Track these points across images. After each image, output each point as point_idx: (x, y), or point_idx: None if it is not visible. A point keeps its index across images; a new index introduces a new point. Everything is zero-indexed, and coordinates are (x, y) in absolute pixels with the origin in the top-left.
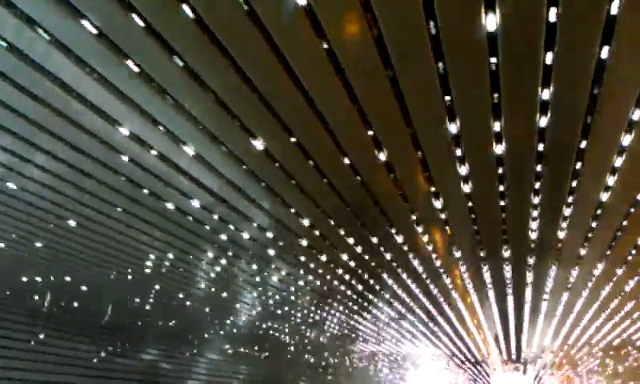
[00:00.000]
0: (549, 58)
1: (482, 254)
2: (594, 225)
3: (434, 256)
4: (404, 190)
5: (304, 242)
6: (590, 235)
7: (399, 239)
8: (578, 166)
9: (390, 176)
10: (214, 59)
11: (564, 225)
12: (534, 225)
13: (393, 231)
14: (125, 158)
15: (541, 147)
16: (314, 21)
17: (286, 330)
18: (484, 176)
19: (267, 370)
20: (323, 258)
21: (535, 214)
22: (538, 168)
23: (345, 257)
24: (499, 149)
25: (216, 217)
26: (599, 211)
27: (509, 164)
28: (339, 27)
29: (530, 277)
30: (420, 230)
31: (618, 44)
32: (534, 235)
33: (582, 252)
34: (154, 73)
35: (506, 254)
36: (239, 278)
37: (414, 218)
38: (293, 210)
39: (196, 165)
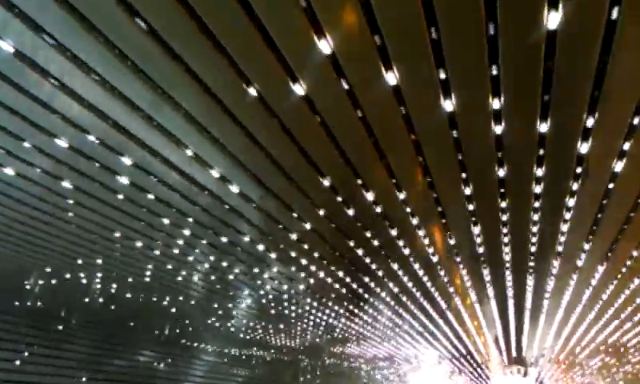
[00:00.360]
0: (554, 21)
1: (480, 250)
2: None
3: (430, 251)
4: (399, 182)
5: (294, 237)
6: (594, 228)
7: (393, 232)
8: (584, 150)
9: (384, 168)
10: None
11: (567, 216)
12: (535, 217)
13: (386, 223)
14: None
15: (544, 128)
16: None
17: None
18: (482, 165)
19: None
20: (315, 254)
21: (537, 205)
22: (540, 152)
23: (338, 253)
24: (498, 129)
25: (200, 209)
26: (605, 201)
27: (508, 149)
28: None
29: (530, 277)
30: (415, 221)
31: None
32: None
33: (586, 246)
34: (117, 41)
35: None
36: (228, 275)
37: (408, 210)
38: (282, 203)
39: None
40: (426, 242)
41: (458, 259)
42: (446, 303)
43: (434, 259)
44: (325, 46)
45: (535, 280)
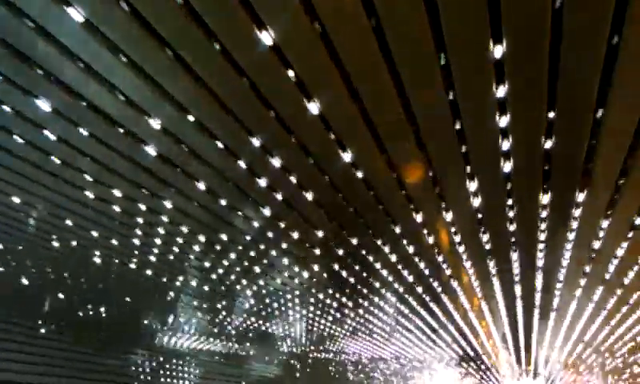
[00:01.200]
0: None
1: (487, 247)
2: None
3: (434, 249)
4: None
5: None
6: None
7: (397, 229)
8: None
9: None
10: None
11: (574, 220)
12: (542, 226)
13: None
14: None
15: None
16: None
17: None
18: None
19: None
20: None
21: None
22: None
23: (319, 234)
24: (505, 145)
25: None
26: (617, 196)
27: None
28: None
29: (539, 276)
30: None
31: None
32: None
33: (596, 245)
34: None
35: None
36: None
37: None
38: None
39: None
40: (431, 239)
41: (463, 255)
42: (455, 308)
43: (440, 258)
44: None
45: (545, 273)
